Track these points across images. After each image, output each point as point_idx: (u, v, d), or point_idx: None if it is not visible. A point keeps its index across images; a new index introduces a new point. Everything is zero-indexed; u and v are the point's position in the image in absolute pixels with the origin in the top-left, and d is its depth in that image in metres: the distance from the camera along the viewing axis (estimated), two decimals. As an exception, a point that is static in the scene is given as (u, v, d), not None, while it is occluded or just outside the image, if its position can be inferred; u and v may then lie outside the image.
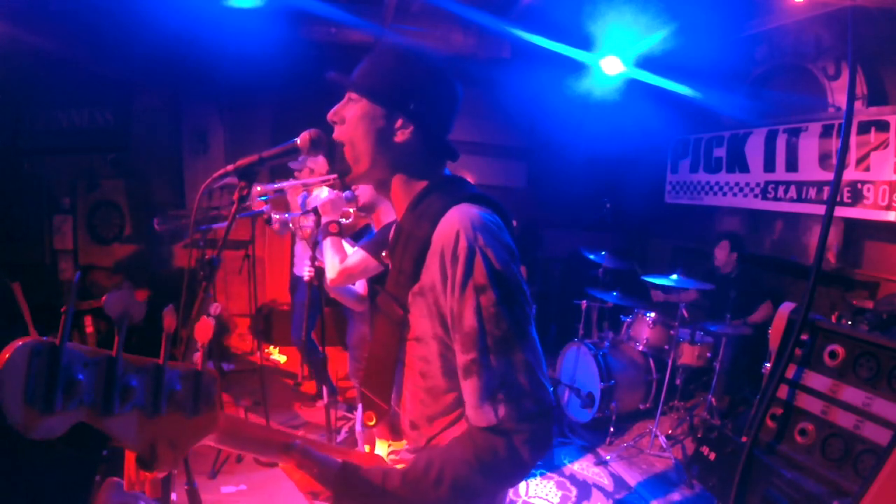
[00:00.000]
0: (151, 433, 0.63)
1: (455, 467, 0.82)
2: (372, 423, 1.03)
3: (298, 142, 1.05)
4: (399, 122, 0.95)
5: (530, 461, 0.83)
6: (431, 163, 1.00)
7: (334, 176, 2.34)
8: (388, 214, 2.26)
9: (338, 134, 0.99)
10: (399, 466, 0.89)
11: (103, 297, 0.58)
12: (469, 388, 0.85)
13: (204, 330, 0.71)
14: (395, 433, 1.06)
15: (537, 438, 0.83)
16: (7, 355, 0.51)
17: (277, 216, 2.62)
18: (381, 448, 1.09)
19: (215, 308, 1.00)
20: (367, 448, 1.14)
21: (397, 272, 0.96)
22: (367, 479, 0.83)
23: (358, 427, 2.39)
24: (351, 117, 0.97)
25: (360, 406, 2.30)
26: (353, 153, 0.98)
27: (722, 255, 4.05)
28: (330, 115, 1.00)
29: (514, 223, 1.01)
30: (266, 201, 2.81)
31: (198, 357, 0.69)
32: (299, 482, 0.84)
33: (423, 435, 0.99)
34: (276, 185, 2.20)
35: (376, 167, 0.98)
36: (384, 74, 0.96)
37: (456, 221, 0.86)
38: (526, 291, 0.89)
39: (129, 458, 0.64)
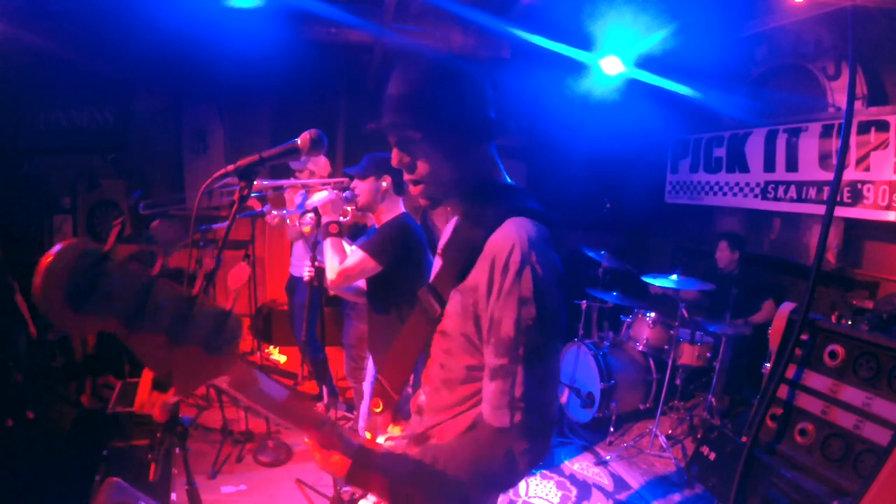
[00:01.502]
0: (172, 359, 0.65)
1: (458, 464, 0.90)
2: (378, 409, 1.09)
3: (299, 142, 1.06)
4: (445, 143, 0.98)
5: (524, 471, 0.91)
6: (485, 169, 1.03)
7: (335, 180, 2.35)
8: (388, 213, 2.26)
9: (412, 177, 1.01)
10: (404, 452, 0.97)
11: (153, 224, 0.63)
12: (493, 389, 0.90)
13: (238, 276, 0.75)
14: (397, 420, 1.14)
15: (536, 452, 0.90)
16: (57, 249, 0.54)
17: (276, 212, 2.63)
18: (381, 437, 1.13)
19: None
20: (367, 435, 1.16)
21: (446, 271, 1.01)
22: (378, 467, 0.91)
23: (360, 426, 2.39)
24: (415, 153, 0.99)
25: (363, 404, 2.30)
26: (433, 186, 1.01)
27: (724, 255, 4.04)
28: (396, 162, 1.02)
29: None
30: (261, 198, 2.81)
31: (230, 300, 0.72)
32: (320, 461, 0.91)
33: (424, 423, 1.05)
34: (274, 183, 2.21)
35: (445, 188, 1.02)
36: (425, 107, 0.97)
37: (513, 234, 0.91)
38: (562, 313, 0.94)
39: (146, 378, 0.68)
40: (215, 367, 0.70)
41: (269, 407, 0.84)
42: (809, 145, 3.72)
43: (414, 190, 1.03)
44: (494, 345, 0.90)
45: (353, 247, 2.20)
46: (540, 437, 0.90)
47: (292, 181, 2.53)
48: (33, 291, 0.55)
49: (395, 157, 1.01)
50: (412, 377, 1.12)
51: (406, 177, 1.02)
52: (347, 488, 2.88)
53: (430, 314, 1.02)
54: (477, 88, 1.00)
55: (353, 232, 3.08)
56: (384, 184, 2.23)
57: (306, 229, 2.30)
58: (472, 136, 1.00)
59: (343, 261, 2.09)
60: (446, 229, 1.16)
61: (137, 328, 0.61)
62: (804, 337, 2.54)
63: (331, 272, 2.09)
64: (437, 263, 1.11)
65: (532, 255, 0.89)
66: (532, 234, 0.91)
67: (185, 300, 0.65)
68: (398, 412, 1.14)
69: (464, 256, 0.95)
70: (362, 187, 2.23)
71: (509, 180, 1.06)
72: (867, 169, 3.30)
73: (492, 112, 1.02)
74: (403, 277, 2.16)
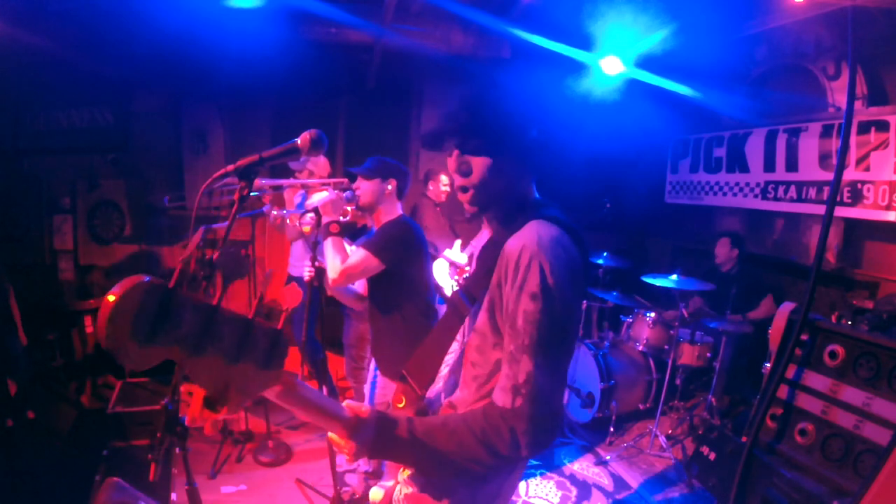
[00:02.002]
0: (227, 377, 0.69)
1: (464, 432, 0.96)
2: (401, 405, 1.14)
3: (299, 142, 1.06)
4: (505, 162, 1.07)
5: (526, 453, 0.96)
6: (525, 185, 1.13)
7: (335, 180, 2.35)
8: (388, 214, 2.26)
9: (464, 182, 1.08)
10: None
11: (216, 254, 0.69)
12: (503, 372, 0.98)
13: (292, 296, 0.82)
14: (420, 414, 1.15)
15: (538, 438, 0.95)
16: (123, 289, 0.58)
17: (276, 212, 2.63)
18: None
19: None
20: None
21: (478, 275, 1.10)
22: (397, 430, 0.97)
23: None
24: (476, 168, 1.06)
25: (365, 399, 2.30)
26: (480, 195, 1.08)
27: (723, 251, 4.05)
28: (453, 168, 1.09)
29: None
30: (260, 197, 2.81)
31: (282, 318, 0.79)
32: (345, 448, 0.95)
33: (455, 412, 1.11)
34: (274, 182, 2.20)
35: (490, 200, 1.09)
36: (491, 125, 1.05)
37: (526, 235, 0.98)
38: (572, 311, 0.99)
39: (197, 397, 0.70)
40: (266, 380, 0.76)
41: (313, 417, 0.90)
42: (809, 145, 3.72)
43: (462, 196, 1.09)
44: (509, 334, 0.98)
45: (354, 246, 2.20)
46: (543, 424, 0.95)
47: (291, 181, 2.53)
48: (98, 329, 0.58)
49: (454, 161, 1.07)
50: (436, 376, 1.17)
51: (458, 181, 1.08)
52: (347, 488, 2.88)
53: (461, 314, 1.10)
54: (535, 128, 1.10)
55: (352, 233, 3.08)
56: (389, 187, 2.23)
57: (306, 229, 2.30)
58: (528, 158, 1.10)
59: (344, 260, 2.09)
60: (480, 237, 1.28)
61: (197, 354, 0.65)
62: (804, 337, 2.54)
63: (332, 272, 2.09)
64: (472, 268, 1.20)
65: (541, 253, 0.95)
66: (544, 234, 0.98)
67: (242, 325, 0.71)
68: (423, 411, 1.17)
69: (492, 261, 1.04)
70: (365, 187, 2.23)
71: (538, 196, 1.15)
72: (867, 169, 3.30)
73: (549, 142, 1.12)
74: (405, 277, 2.16)
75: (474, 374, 1.09)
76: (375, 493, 1.24)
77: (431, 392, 1.19)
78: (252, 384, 0.73)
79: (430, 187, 4.34)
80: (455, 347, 1.17)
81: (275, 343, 0.76)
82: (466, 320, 1.13)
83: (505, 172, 1.07)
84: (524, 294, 0.95)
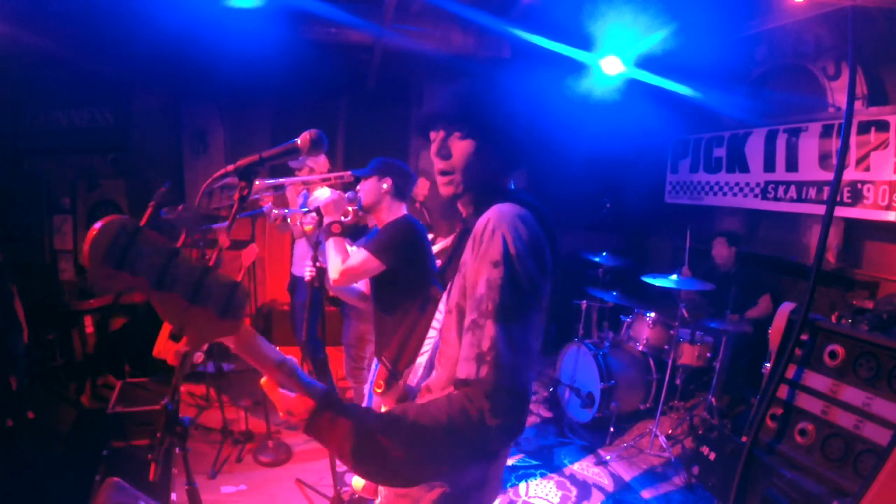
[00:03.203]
0: (185, 316, 0.77)
1: (427, 421, 0.87)
2: (380, 390, 1.12)
3: (299, 142, 1.06)
4: (489, 148, 1.08)
5: (496, 434, 0.87)
6: (504, 175, 1.14)
7: (335, 175, 2.35)
8: (390, 214, 2.26)
9: (446, 166, 1.10)
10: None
11: (178, 207, 0.76)
12: (465, 342, 0.94)
13: (248, 254, 0.85)
14: (399, 402, 1.14)
15: (506, 413, 0.88)
16: (101, 224, 0.70)
17: (277, 212, 2.62)
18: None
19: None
20: None
21: (453, 261, 1.11)
22: (345, 412, 0.87)
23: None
24: (458, 153, 1.08)
25: (363, 405, 2.30)
26: (456, 181, 1.10)
27: (721, 251, 4.05)
28: (435, 153, 1.11)
29: None
30: (260, 199, 2.81)
31: (241, 272, 0.84)
32: (278, 401, 0.89)
33: (431, 395, 1.08)
34: (275, 181, 2.20)
35: (468, 190, 1.11)
36: (481, 111, 1.07)
37: (492, 212, 0.99)
38: (535, 285, 0.96)
39: (164, 330, 0.78)
40: (223, 329, 0.81)
41: (264, 366, 0.89)
42: (809, 145, 3.72)
43: (441, 180, 1.11)
44: (470, 304, 0.96)
45: (356, 247, 2.20)
46: (508, 398, 0.88)
47: (292, 179, 2.53)
48: (81, 255, 0.69)
49: (437, 143, 1.09)
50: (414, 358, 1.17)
51: (438, 165, 1.10)
52: (347, 488, 2.88)
53: (436, 298, 1.11)
54: (535, 116, 1.11)
55: (354, 232, 3.08)
56: (385, 185, 2.23)
57: (308, 228, 2.30)
58: (510, 150, 1.11)
59: (346, 260, 2.09)
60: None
61: (160, 288, 0.74)
62: (804, 337, 2.54)
63: (334, 272, 2.09)
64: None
65: (503, 225, 0.96)
66: (508, 212, 0.99)
67: (201, 270, 0.79)
68: (403, 397, 1.14)
69: (463, 243, 1.05)
70: (366, 187, 2.23)
71: (513, 187, 1.16)
72: (867, 169, 3.30)
73: (535, 138, 1.13)
74: (408, 276, 2.16)
75: (448, 353, 1.06)
76: (357, 480, 1.23)
77: (413, 379, 1.16)
78: (209, 328, 0.80)
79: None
80: (433, 334, 1.15)
81: (232, 294, 0.81)
82: (441, 304, 1.13)
83: (485, 160, 1.08)
84: (486, 262, 0.95)
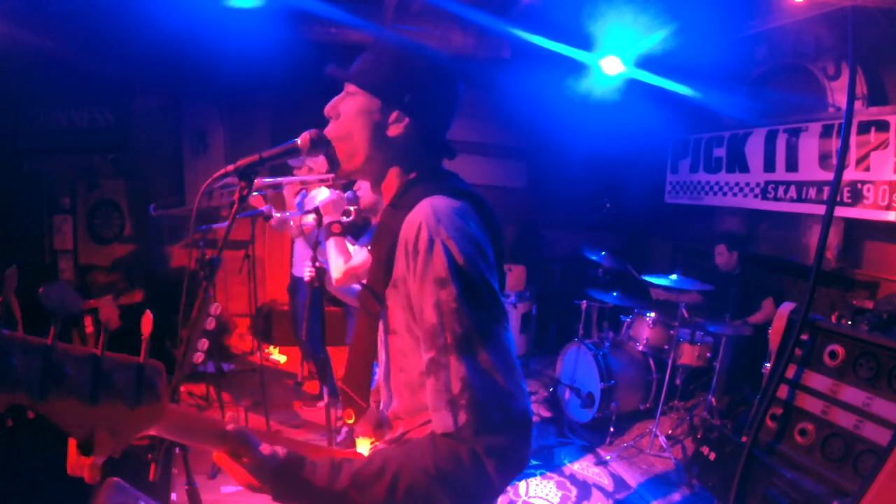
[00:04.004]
0: (90, 420, 0.63)
1: (412, 474, 0.74)
2: (351, 420, 1.01)
3: (299, 142, 1.05)
4: (394, 116, 0.95)
5: (497, 477, 0.74)
6: (425, 159, 1.00)
7: (333, 175, 2.35)
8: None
9: (333, 128, 0.99)
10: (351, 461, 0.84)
11: (40, 289, 0.59)
12: (429, 388, 0.78)
13: (145, 324, 0.69)
14: (377, 430, 1.03)
15: (504, 452, 0.74)
16: None
17: (277, 214, 2.62)
18: (364, 445, 1.07)
19: (215, 308, 1.00)
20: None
21: (375, 266, 0.95)
22: (312, 475, 0.75)
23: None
24: (347, 111, 0.97)
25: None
26: (349, 147, 0.97)
27: (722, 258, 4.04)
28: (327, 109, 1.01)
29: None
30: (263, 196, 2.80)
31: (142, 350, 0.68)
32: (235, 474, 0.77)
33: (403, 426, 0.96)
34: (272, 181, 2.20)
35: (370, 162, 0.98)
36: (381, 67, 0.97)
37: (421, 213, 0.83)
38: (495, 291, 0.83)
39: (72, 442, 0.65)
40: (141, 419, 0.68)
41: (207, 442, 0.77)
42: (809, 145, 3.72)
43: (340, 156, 0.99)
44: (422, 338, 0.80)
45: (357, 246, 2.20)
46: (504, 432, 0.74)
47: (290, 178, 2.53)
48: None
49: (334, 103, 0.99)
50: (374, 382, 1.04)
51: (329, 128, 0.99)
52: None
53: (371, 313, 0.94)
54: (444, 105, 1.00)
55: (354, 232, 3.07)
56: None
57: (307, 229, 2.30)
58: (421, 135, 0.97)
59: (348, 260, 2.09)
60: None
61: (43, 398, 0.59)
62: (804, 337, 2.54)
63: (336, 271, 2.09)
64: (369, 260, 1.03)
65: (440, 229, 0.80)
66: (441, 209, 0.83)
67: (89, 361, 0.63)
68: (379, 424, 1.03)
69: (387, 248, 0.89)
70: (367, 187, 2.23)
71: (441, 168, 1.03)
72: (867, 169, 3.30)
73: (444, 129, 1.01)
74: None
75: (405, 380, 0.93)
76: None
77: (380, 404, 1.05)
78: (125, 425, 0.66)
79: None
80: (381, 354, 1.00)
81: (139, 376, 0.67)
82: (380, 322, 0.96)
83: (388, 145, 0.95)
84: (429, 282, 0.79)
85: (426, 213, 0.83)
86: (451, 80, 1.00)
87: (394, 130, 0.95)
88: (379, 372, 1.01)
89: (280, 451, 0.77)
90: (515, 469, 0.76)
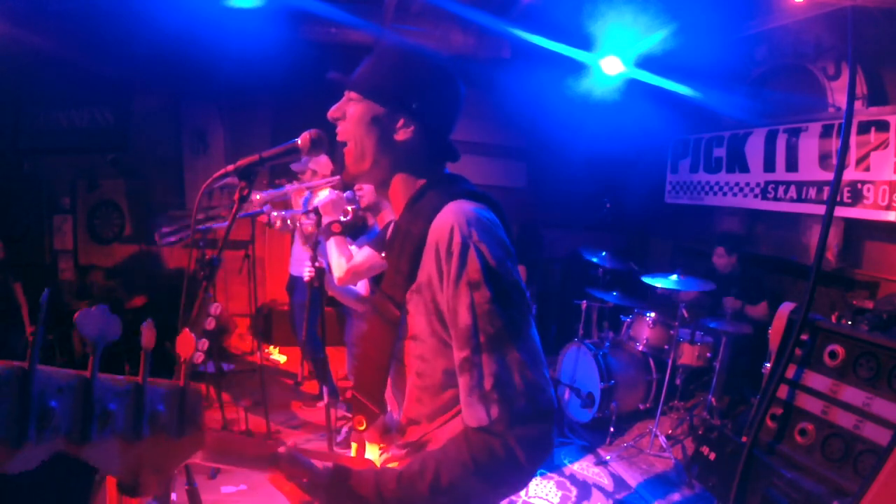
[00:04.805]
0: (134, 458, 0.58)
1: (451, 469, 0.80)
2: (362, 427, 1.01)
3: (299, 142, 1.05)
4: (401, 122, 0.95)
5: (528, 465, 0.80)
6: (432, 162, 1.01)
7: (338, 178, 2.35)
8: (391, 215, 2.25)
9: (340, 132, 0.99)
10: (392, 465, 0.87)
11: (76, 315, 0.52)
12: (462, 385, 0.84)
13: (186, 344, 0.64)
14: (385, 436, 1.04)
15: (534, 441, 0.80)
16: None
17: (277, 213, 2.62)
18: (372, 451, 1.06)
19: (215, 308, 0.99)
20: (353, 447, 1.12)
21: (394, 271, 0.95)
22: (361, 485, 0.80)
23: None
24: (353, 115, 0.97)
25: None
26: (355, 152, 0.98)
27: (721, 260, 4.04)
28: (331, 113, 1.00)
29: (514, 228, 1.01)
30: (268, 213, 2.80)
31: (182, 371, 0.64)
32: (289, 494, 0.80)
33: (420, 431, 0.98)
34: (279, 191, 2.20)
35: (377, 166, 0.98)
36: (386, 73, 0.97)
37: (451, 217, 0.86)
38: (523, 290, 0.88)
39: (111, 483, 0.60)
40: (183, 450, 0.64)
41: (251, 465, 0.78)
42: (809, 145, 3.72)
43: (347, 160, 1.00)
44: (456, 337, 0.84)
45: (356, 246, 2.20)
46: (533, 423, 0.80)
47: (296, 185, 2.53)
48: None
49: (339, 105, 0.98)
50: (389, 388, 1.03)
51: (339, 130, 0.99)
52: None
53: (390, 320, 0.94)
54: (447, 108, 1.00)
55: (354, 231, 3.07)
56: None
57: (307, 228, 2.30)
58: (428, 138, 0.98)
59: (349, 259, 2.09)
60: (388, 231, 1.15)
61: (87, 441, 0.53)
62: (804, 337, 2.54)
63: (338, 270, 2.09)
64: (385, 266, 1.04)
65: (473, 233, 0.84)
66: (470, 214, 0.87)
67: (132, 392, 0.58)
68: (387, 430, 1.04)
69: (409, 253, 0.90)
70: (367, 188, 2.22)
71: (446, 171, 1.04)
72: (867, 169, 3.30)
73: (448, 132, 1.01)
74: None
75: (422, 385, 0.95)
76: None
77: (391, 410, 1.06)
78: (167, 458, 0.62)
79: None
80: (393, 360, 1.01)
81: (182, 403, 0.63)
82: (395, 326, 0.96)
83: (394, 148, 0.96)
84: (463, 285, 0.82)
85: (456, 217, 0.86)
86: (454, 83, 1.00)
87: (401, 136, 0.96)
88: (389, 378, 1.01)
89: (329, 465, 0.81)
90: (544, 455, 0.82)
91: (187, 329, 0.64)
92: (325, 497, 0.79)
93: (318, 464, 0.81)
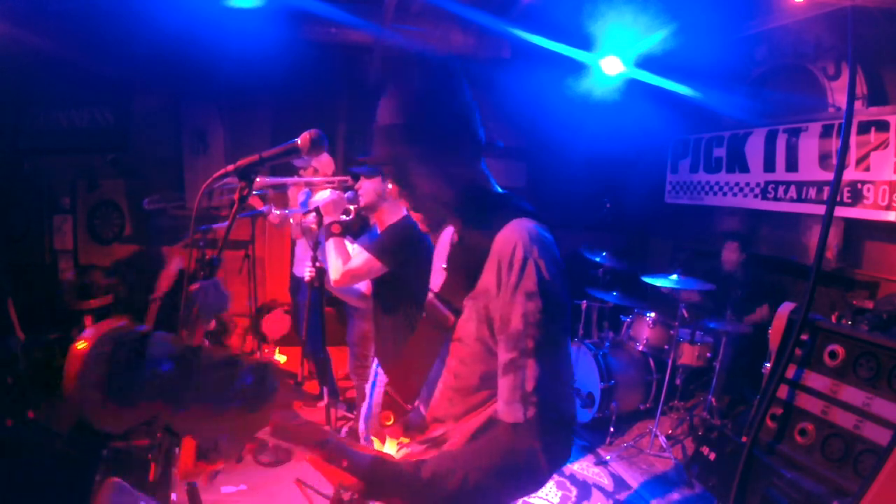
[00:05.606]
0: (217, 426, 0.62)
1: (479, 468, 0.87)
2: (390, 422, 1.08)
3: (299, 142, 1.06)
4: (431, 167, 1.01)
5: (547, 469, 0.88)
6: (476, 177, 1.06)
7: (339, 178, 2.35)
8: (392, 215, 2.25)
9: (416, 203, 1.04)
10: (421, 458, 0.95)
11: (193, 285, 0.56)
12: (505, 384, 0.90)
13: (274, 324, 0.69)
14: (407, 431, 1.10)
15: (556, 448, 0.88)
16: (97, 337, 0.49)
17: (277, 212, 2.62)
18: (390, 445, 1.11)
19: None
20: (373, 440, 1.16)
21: (454, 279, 1.04)
22: (397, 471, 0.87)
23: (361, 427, 2.38)
24: (418, 182, 1.02)
25: (365, 404, 2.28)
26: (437, 207, 1.04)
27: (732, 256, 4.03)
28: (396, 194, 1.06)
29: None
30: (262, 197, 2.79)
31: (271, 349, 0.67)
32: (328, 474, 0.87)
33: (442, 429, 1.05)
34: (276, 180, 2.20)
35: (432, 201, 1.04)
36: (401, 140, 0.99)
37: (515, 233, 0.94)
38: (567, 308, 0.95)
39: (187, 448, 0.63)
40: (256, 423, 0.68)
41: (300, 445, 0.84)
42: (809, 145, 3.72)
43: (416, 216, 1.06)
44: (505, 341, 0.91)
45: (356, 246, 2.20)
46: (557, 431, 0.88)
47: (295, 179, 2.53)
48: (66, 384, 0.51)
49: (394, 189, 1.04)
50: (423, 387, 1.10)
51: (406, 205, 1.06)
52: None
53: (442, 323, 1.03)
54: (464, 107, 1.02)
55: (354, 231, 3.07)
56: (390, 185, 2.22)
57: (307, 227, 2.30)
58: (463, 156, 1.03)
59: (347, 261, 2.09)
60: (442, 241, 1.21)
61: (183, 408, 0.57)
62: (804, 337, 2.54)
63: (335, 273, 2.09)
64: (442, 274, 1.11)
65: (534, 250, 0.91)
66: (533, 232, 0.94)
67: (229, 365, 0.62)
68: (410, 425, 1.11)
69: (472, 263, 0.98)
70: (367, 187, 2.22)
71: (500, 189, 1.09)
72: (867, 169, 3.30)
73: (479, 128, 1.04)
74: (410, 278, 2.16)
75: (456, 385, 1.02)
76: None
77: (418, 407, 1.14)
78: (243, 430, 0.66)
79: None
80: (436, 360, 1.09)
81: (262, 380, 0.67)
82: (446, 329, 1.04)
83: (451, 180, 1.02)
84: (520, 294, 0.90)
85: (521, 234, 0.93)
86: (459, 92, 1.03)
87: (446, 174, 1.02)
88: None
89: (369, 453, 0.89)
90: (561, 462, 0.91)
91: (279, 310, 0.67)
92: (364, 479, 0.86)
93: (359, 452, 0.87)
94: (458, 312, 1.00)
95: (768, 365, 2.77)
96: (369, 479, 0.86)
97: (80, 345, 0.50)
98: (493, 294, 0.93)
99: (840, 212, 3.38)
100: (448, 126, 1.01)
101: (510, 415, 0.89)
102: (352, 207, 2.23)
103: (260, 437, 0.74)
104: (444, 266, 1.11)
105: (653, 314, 3.81)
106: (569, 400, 0.91)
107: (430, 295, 1.07)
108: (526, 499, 3.06)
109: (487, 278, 0.95)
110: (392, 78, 1.04)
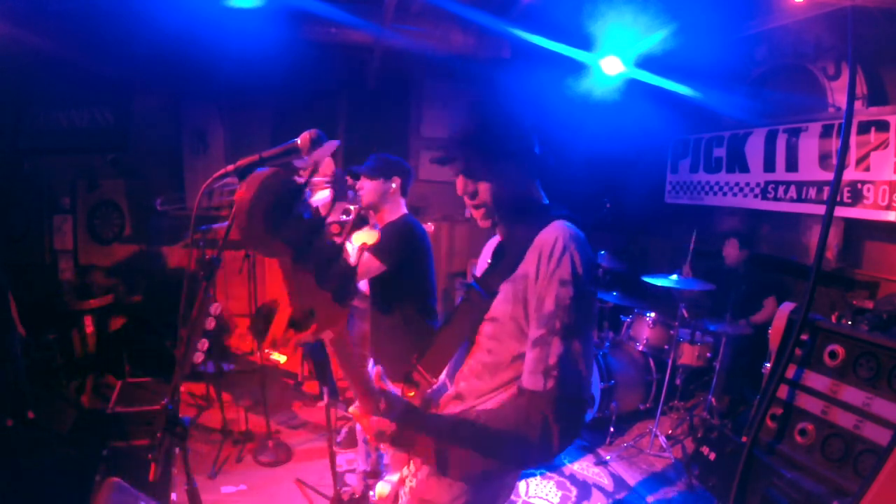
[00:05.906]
0: (313, 298, 0.70)
1: (496, 426, 1.01)
2: (412, 394, 1.18)
3: (299, 142, 1.06)
4: (497, 181, 1.14)
5: (557, 440, 0.99)
6: (532, 182, 1.21)
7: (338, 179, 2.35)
8: (391, 214, 2.26)
9: (478, 202, 1.16)
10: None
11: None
12: (532, 356, 1.03)
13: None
14: (424, 405, 1.21)
15: (567, 423, 1.00)
16: (270, 171, 0.62)
17: None
18: None
19: (215, 308, 1.01)
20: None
21: (495, 266, 1.18)
22: (426, 416, 1.03)
23: (359, 427, 2.38)
24: (485, 185, 1.14)
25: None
26: (497, 210, 1.16)
27: (732, 252, 4.04)
28: (461, 191, 1.17)
29: None
30: None
31: (357, 256, 0.77)
32: (368, 427, 0.98)
33: (462, 406, 1.15)
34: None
35: (502, 208, 1.17)
36: (477, 153, 1.12)
37: (558, 230, 1.07)
38: (594, 302, 1.08)
39: (281, 317, 0.72)
40: (335, 316, 0.75)
41: (350, 374, 0.92)
42: (809, 145, 3.72)
43: (476, 213, 1.17)
44: (537, 319, 1.03)
45: (355, 245, 2.20)
46: (570, 407, 1.00)
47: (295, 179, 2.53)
48: (242, 199, 0.61)
49: (461, 185, 1.15)
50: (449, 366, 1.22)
51: (468, 202, 1.17)
52: (347, 488, 2.88)
53: (477, 304, 1.15)
54: (533, 131, 1.18)
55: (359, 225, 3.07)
56: (393, 185, 2.23)
57: None
58: (529, 171, 1.18)
59: None
60: (491, 241, 1.34)
61: (301, 260, 0.66)
62: (804, 337, 2.54)
63: None
64: (486, 262, 1.26)
65: (572, 245, 1.04)
66: (572, 231, 1.08)
67: (335, 247, 0.72)
68: (429, 402, 1.21)
69: (514, 252, 1.12)
70: (368, 187, 2.22)
71: (546, 199, 1.23)
72: (867, 169, 3.30)
73: (537, 149, 1.19)
74: (408, 278, 2.16)
75: (489, 361, 1.12)
76: (382, 487, 1.25)
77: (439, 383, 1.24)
78: (326, 315, 0.73)
79: None
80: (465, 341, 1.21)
81: (349, 279, 0.75)
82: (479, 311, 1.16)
83: (508, 188, 1.15)
84: (555, 280, 1.01)
85: (562, 231, 1.07)
86: (522, 124, 1.17)
87: (508, 187, 1.16)
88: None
89: (403, 403, 1.02)
90: (572, 437, 1.02)
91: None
92: (396, 421, 0.98)
93: (395, 396, 1.02)
94: (493, 294, 1.12)
95: (768, 365, 2.77)
96: (402, 420, 0.98)
97: (261, 177, 0.62)
98: (532, 278, 1.05)
99: (840, 212, 3.38)
100: (518, 147, 1.15)
101: (532, 383, 1.01)
102: (352, 207, 2.23)
103: (325, 337, 0.79)
104: (490, 260, 1.25)
105: (653, 314, 3.81)
106: (587, 380, 1.02)
107: (474, 281, 1.20)
108: (526, 499, 3.06)
109: (528, 265, 1.07)
110: (479, 94, 1.19)
